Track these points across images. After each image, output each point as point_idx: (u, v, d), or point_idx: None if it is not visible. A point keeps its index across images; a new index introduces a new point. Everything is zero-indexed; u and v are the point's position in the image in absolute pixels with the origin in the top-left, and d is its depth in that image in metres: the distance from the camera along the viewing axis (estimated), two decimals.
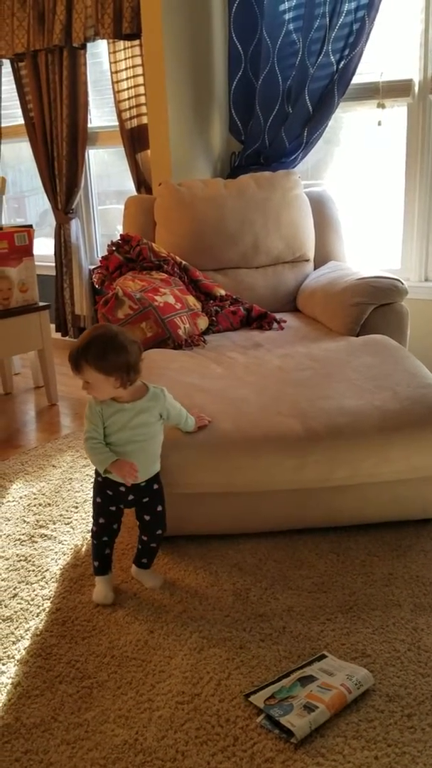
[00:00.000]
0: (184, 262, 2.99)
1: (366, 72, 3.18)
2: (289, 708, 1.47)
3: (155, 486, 1.86)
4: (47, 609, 1.87)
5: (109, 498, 1.85)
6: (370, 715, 1.47)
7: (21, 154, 4.81)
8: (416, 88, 3.13)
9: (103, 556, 1.91)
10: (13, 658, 1.69)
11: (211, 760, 1.38)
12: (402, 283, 2.65)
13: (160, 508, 1.87)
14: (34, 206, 5.03)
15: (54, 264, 4.39)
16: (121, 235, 3.00)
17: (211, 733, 1.44)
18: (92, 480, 2.66)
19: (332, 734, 1.43)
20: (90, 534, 1.93)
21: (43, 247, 4.68)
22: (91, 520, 1.91)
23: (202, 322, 2.80)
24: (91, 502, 1.90)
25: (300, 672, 1.57)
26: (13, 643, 1.75)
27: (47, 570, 2.05)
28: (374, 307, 2.62)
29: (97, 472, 1.85)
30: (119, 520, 1.90)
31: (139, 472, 1.76)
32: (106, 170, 4.46)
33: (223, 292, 3.00)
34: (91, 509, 1.90)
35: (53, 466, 2.75)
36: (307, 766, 1.36)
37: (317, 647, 1.67)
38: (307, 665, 1.59)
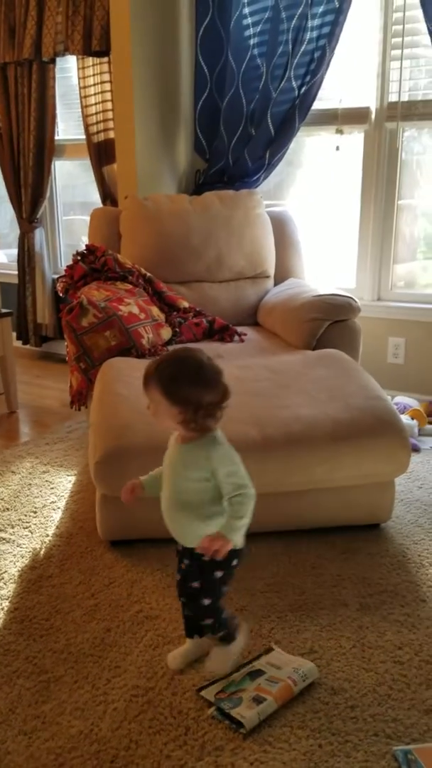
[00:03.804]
0: (148, 274, 3.06)
1: (326, 98, 3.32)
2: (238, 701, 1.54)
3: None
4: (5, 608, 1.90)
5: None
6: (316, 706, 1.55)
7: None
8: (373, 116, 3.28)
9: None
10: None
11: (163, 749, 1.44)
12: (356, 302, 2.77)
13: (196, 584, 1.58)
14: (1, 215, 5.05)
15: (17, 272, 4.41)
16: (86, 245, 3.06)
17: (164, 723, 1.50)
18: (52, 486, 2.67)
19: (279, 724, 1.50)
20: (217, 607, 1.59)
21: (5, 255, 4.70)
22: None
23: (166, 333, 2.87)
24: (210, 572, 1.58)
25: (249, 666, 1.64)
26: None
27: (5, 571, 2.08)
28: (329, 323, 2.74)
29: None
30: None
31: (175, 531, 1.55)
32: (72, 181, 4.51)
33: (186, 304, 3.08)
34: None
35: (12, 471, 2.78)
36: (254, 753, 1.43)
37: (268, 644, 1.75)
38: (255, 659, 1.67)
